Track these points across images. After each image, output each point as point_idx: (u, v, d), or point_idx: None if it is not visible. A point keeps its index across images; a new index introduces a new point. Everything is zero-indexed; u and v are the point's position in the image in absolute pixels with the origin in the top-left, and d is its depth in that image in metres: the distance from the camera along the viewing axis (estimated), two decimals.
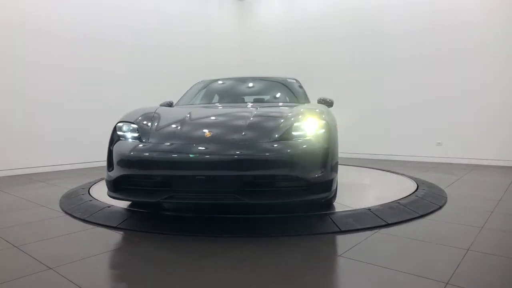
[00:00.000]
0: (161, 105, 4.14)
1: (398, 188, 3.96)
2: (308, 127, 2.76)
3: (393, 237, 2.45)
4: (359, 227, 2.62)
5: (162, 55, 7.50)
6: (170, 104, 4.18)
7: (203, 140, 2.69)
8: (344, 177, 4.90)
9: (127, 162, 2.68)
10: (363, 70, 7.52)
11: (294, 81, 4.45)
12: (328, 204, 3.06)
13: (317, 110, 3.04)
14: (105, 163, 2.97)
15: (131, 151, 2.69)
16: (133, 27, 7.00)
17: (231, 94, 4.38)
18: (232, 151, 2.56)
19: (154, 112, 3.22)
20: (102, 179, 4.52)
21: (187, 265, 2.05)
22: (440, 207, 3.25)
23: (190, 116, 3.12)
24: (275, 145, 2.60)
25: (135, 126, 2.96)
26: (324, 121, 2.81)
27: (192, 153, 2.57)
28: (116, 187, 2.74)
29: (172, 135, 2.80)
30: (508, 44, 6.00)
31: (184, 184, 2.60)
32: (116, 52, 6.75)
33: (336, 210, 2.95)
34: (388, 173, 5.14)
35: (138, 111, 3.24)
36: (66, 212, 3.17)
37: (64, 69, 6.04)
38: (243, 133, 2.72)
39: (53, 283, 1.81)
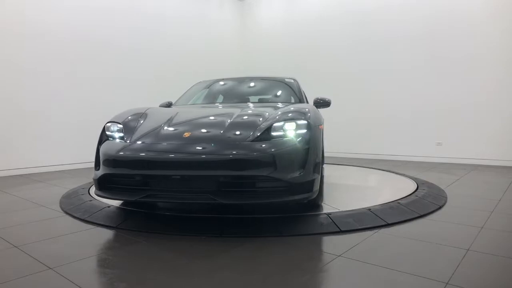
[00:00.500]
0: (160, 106, 4.18)
1: (398, 188, 3.96)
2: (289, 128, 2.72)
3: (393, 237, 2.45)
4: (359, 227, 2.62)
5: (162, 55, 7.50)
6: (169, 105, 4.22)
7: (180, 140, 2.73)
8: (344, 177, 4.91)
9: (109, 161, 2.74)
10: (363, 70, 7.53)
11: (292, 80, 4.43)
12: (314, 205, 3.01)
13: (301, 110, 2.96)
14: None
15: (112, 151, 2.76)
16: (133, 28, 7.00)
17: (227, 94, 4.40)
18: (207, 151, 2.57)
19: (143, 113, 3.29)
20: None
21: (187, 265, 2.05)
22: (440, 207, 3.25)
23: (174, 116, 3.18)
24: (251, 146, 2.58)
25: (121, 126, 3.04)
26: (305, 122, 2.76)
27: (167, 153, 2.60)
28: (101, 185, 2.81)
29: (152, 135, 2.85)
30: (508, 45, 6.00)
31: (161, 183, 2.63)
32: (116, 53, 6.75)
33: (336, 210, 2.95)
34: (388, 173, 5.14)
35: (128, 112, 3.33)
36: (66, 212, 3.17)
37: (64, 70, 6.05)
38: (221, 133, 2.73)
39: (53, 283, 1.81)
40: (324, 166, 5.66)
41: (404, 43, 7.01)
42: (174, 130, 2.91)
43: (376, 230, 2.59)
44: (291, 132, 2.70)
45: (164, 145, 2.69)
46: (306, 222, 2.72)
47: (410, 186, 3.97)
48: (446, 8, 6.54)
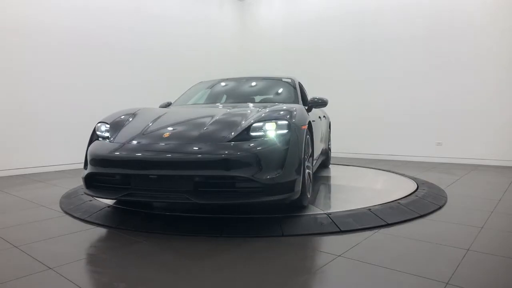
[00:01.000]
0: (160, 106, 4.20)
1: (398, 188, 3.96)
2: (269, 128, 2.70)
3: (393, 237, 2.45)
4: (359, 227, 2.62)
5: (162, 56, 7.50)
6: (168, 105, 4.26)
7: (159, 140, 2.76)
8: (344, 177, 4.91)
9: (93, 160, 2.82)
10: (363, 70, 7.53)
11: (289, 80, 4.36)
12: (299, 206, 2.95)
13: (284, 111, 2.91)
14: None
15: (96, 150, 2.85)
16: (133, 29, 7.00)
17: (222, 94, 4.39)
18: (183, 151, 2.59)
19: (133, 113, 3.34)
20: None
21: (187, 265, 2.05)
22: (440, 207, 3.25)
23: (161, 116, 3.22)
24: (226, 146, 2.57)
25: (109, 126, 3.11)
26: (286, 122, 2.73)
27: (144, 153, 2.63)
28: (87, 184, 2.88)
29: (134, 135, 2.89)
30: (508, 45, 6.00)
31: (140, 182, 2.66)
32: (116, 54, 6.75)
33: (336, 210, 2.95)
34: (388, 173, 5.14)
35: (119, 112, 3.40)
36: (66, 212, 3.18)
37: (64, 71, 6.04)
38: (198, 134, 2.74)
39: (53, 283, 1.81)
40: (336, 167, 5.70)
41: (404, 43, 7.01)
42: (156, 130, 2.94)
43: (376, 230, 2.59)
44: (271, 132, 2.67)
45: (143, 145, 2.73)
46: (306, 222, 2.72)
47: (410, 186, 3.97)
48: (446, 8, 6.54)
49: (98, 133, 3.11)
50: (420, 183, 4.13)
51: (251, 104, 3.73)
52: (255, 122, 2.75)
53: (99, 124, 3.18)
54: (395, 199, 3.32)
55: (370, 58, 7.43)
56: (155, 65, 7.35)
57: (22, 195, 3.95)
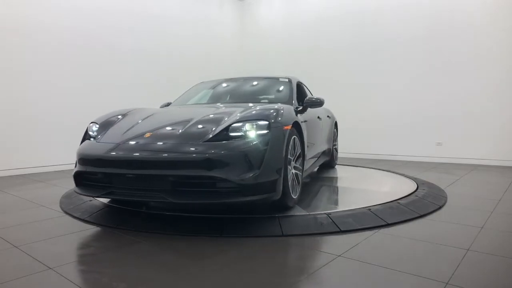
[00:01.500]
0: (160, 107, 4.22)
1: (398, 188, 3.96)
2: (248, 128, 2.68)
3: (393, 237, 2.45)
4: (359, 227, 2.63)
5: (162, 56, 7.50)
6: (167, 105, 4.25)
7: (140, 139, 2.79)
8: (344, 177, 4.91)
9: (80, 160, 2.90)
10: (363, 70, 7.53)
11: (286, 80, 4.30)
12: (283, 206, 2.91)
13: (265, 111, 2.88)
14: None
15: (82, 150, 2.94)
16: (133, 29, 7.00)
17: (217, 94, 4.38)
18: (161, 151, 2.62)
19: (124, 114, 3.40)
20: None
21: (187, 265, 2.05)
22: (440, 207, 3.25)
23: (149, 117, 3.27)
24: (201, 146, 2.57)
25: (98, 126, 3.19)
26: (266, 122, 2.70)
27: (123, 152, 2.68)
28: (76, 182, 2.95)
29: (118, 135, 2.94)
30: (509, 45, 6.00)
31: (120, 181, 2.71)
32: (116, 54, 6.75)
33: (336, 210, 2.95)
34: (388, 173, 5.14)
35: (112, 112, 3.47)
36: (66, 212, 3.18)
37: (64, 71, 6.05)
38: (178, 134, 2.76)
39: (53, 283, 1.81)
40: (336, 167, 5.68)
41: (404, 44, 7.01)
42: (139, 130, 2.97)
43: (376, 230, 2.59)
44: (251, 132, 2.66)
45: (123, 145, 2.77)
46: (306, 222, 2.72)
47: (410, 186, 3.97)
48: (446, 8, 6.54)
49: (90, 133, 3.18)
50: (420, 183, 4.13)
51: (239, 104, 3.66)
52: (234, 122, 2.74)
53: (91, 124, 3.26)
54: (395, 199, 3.31)
55: (370, 58, 7.43)
56: (155, 65, 7.35)
57: (22, 195, 3.95)
